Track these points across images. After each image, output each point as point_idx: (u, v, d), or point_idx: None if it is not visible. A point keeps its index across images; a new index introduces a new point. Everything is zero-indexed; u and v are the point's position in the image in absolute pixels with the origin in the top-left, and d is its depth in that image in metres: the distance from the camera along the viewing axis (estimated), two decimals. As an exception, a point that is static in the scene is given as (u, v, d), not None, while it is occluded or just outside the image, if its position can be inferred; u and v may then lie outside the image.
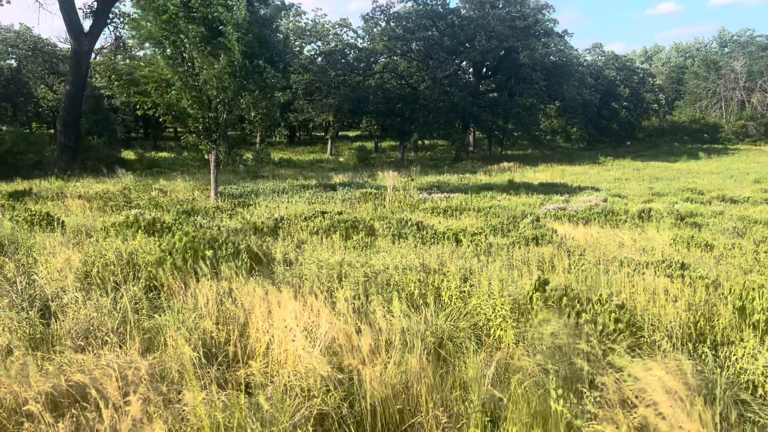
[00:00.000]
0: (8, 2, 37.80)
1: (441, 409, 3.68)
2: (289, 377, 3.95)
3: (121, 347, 4.43)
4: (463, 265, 6.84)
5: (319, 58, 46.90)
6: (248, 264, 6.57)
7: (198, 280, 5.80)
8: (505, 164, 38.19)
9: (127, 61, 23.58)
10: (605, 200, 18.63)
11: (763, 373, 4.14)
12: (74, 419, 3.43)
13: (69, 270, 6.27)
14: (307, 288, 5.51)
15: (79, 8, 29.67)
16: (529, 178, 28.75)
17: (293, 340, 4.28)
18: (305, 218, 11.72)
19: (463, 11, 46.37)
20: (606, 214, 13.95)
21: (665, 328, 5.01)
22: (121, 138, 43.43)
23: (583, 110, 52.94)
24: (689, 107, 68.77)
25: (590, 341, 3.98)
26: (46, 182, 21.61)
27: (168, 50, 16.45)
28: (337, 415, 3.68)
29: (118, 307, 5.16)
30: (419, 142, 50.23)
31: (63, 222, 10.05)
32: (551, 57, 46.48)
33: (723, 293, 5.72)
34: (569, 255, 8.11)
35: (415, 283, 5.93)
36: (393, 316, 4.78)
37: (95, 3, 30.91)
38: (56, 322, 4.93)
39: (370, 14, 45.88)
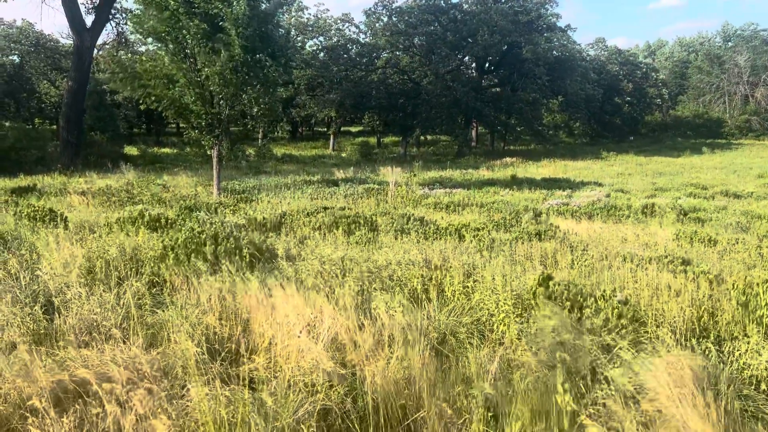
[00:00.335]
0: (10, -2, 37.75)
1: (444, 404, 3.68)
2: (292, 372, 3.95)
3: (124, 342, 4.44)
4: (466, 260, 6.84)
5: (322, 54, 46.85)
6: (251, 260, 6.58)
7: (200, 276, 5.80)
8: (508, 159, 38.13)
9: (129, 55, 23.59)
10: (608, 195, 18.60)
11: (766, 369, 4.13)
12: (78, 414, 3.43)
13: (73, 265, 6.29)
14: (310, 283, 5.51)
15: (81, 4, 29.62)
16: (532, 173, 28.71)
17: (298, 336, 4.28)
18: (308, 214, 11.72)
19: (465, 6, 46.24)
20: (609, 209, 13.93)
21: (669, 323, 5.01)
22: (124, 134, 43.49)
23: (586, 105, 52.79)
24: (692, 102, 68.53)
25: (593, 337, 3.97)
26: (49, 178, 21.63)
27: (170, 46, 16.45)
28: (341, 410, 3.69)
29: (121, 303, 5.17)
30: (422, 137, 50.16)
31: (66, 218, 10.06)
32: (554, 52, 46.37)
33: (726, 288, 5.71)
34: (572, 250, 8.10)
35: (417, 278, 5.93)
36: (396, 311, 4.78)
37: (97, -2, 30.88)
38: (60, 317, 4.94)
39: (373, 9, 45.83)
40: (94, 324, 4.83)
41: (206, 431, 3.30)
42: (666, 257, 7.34)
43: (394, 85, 47.53)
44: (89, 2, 31.13)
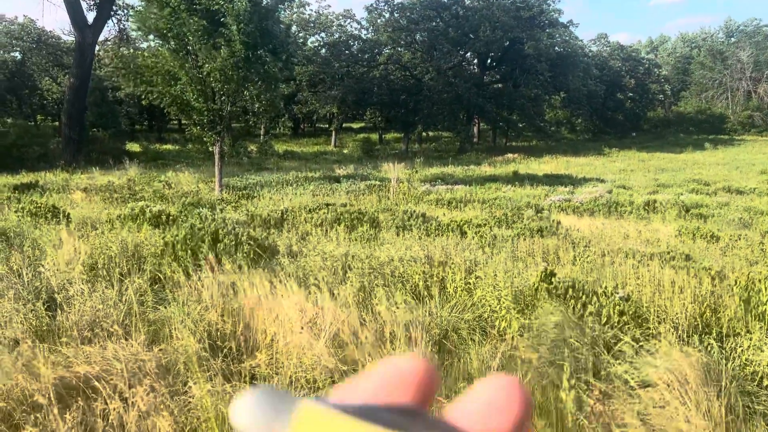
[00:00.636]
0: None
1: (446, 400, 3.68)
2: (294, 369, 3.96)
3: (126, 339, 4.45)
4: (467, 256, 6.83)
5: (323, 50, 46.74)
6: (252, 256, 6.58)
7: (202, 272, 5.81)
8: (510, 156, 38.07)
9: (131, 50, 23.59)
10: (610, 191, 18.56)
11: (769, 365, 4.13)
12: (81, 410, 3.44)
13: (75, 262, 6.30)
14: (312, 280, 5.52)
15: (83, 0, 29.66)
16: (534, 169, 28.66)
17: (300, 332, 4.29)
18: (309, 210, 11.72)
19: (467, 2, 46.08)
20: (611, 205, 13.91)
21: (671, 319, 5.00)
22: (126, 130, 43.45)
23: (588, 101, 52.64)
24: (695, 98, 68.29)
25: (595, 333, 3.97)
26: (51, 175, 21.65)
27: (172, 42, 16.44)
28: (342, 406, 3.69)
29: (123, 299, 5.18)
30: (423, 133, 50.06)
31: (68, 214, 10.08)
32: (556, 48, 46.23)
33: (729, 285, 5.70)
34: (574, 246, 8.10)
35: (419, 275, 5.93)
36: (398, 308, 4.78)
37: (98, -5, 30.87)
38: (62, 314, 4.95)
39: (374, 5, 45.71)
40: (97, 320, 4.84)
41: (208, 427, 3.30)
42: (668, 253, 7.33)
43: (395, 81, 47.44)
44: (91, -1, 31.15)
